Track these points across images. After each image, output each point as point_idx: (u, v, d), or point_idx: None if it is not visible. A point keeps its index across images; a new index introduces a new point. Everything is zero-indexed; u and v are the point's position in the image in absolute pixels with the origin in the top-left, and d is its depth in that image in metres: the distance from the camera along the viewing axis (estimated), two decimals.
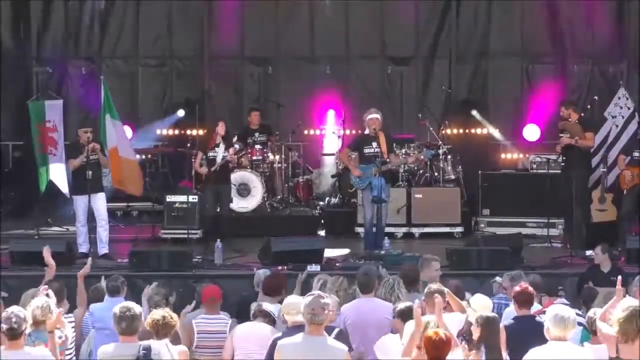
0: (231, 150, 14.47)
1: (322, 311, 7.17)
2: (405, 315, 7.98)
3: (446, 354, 6.80)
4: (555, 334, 6.90)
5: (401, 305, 8.29)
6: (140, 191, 15.13)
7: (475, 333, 7.55)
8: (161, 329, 7.47)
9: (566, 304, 8.21)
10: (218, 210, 14.52)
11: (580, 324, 8.29)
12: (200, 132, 16.08)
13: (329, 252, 13.44)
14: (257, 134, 16.57)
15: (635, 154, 13.83)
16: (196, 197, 15.06)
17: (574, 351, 6.87)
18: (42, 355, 7.23)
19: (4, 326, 7.07)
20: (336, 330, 8.10)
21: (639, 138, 14.21)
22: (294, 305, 7.72)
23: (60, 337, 7.67)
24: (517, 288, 8.58)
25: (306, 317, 7.19)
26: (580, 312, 8.98)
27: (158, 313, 7.57)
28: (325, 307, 7.21)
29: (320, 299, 7.24)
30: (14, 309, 7.24)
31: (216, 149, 14.38)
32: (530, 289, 8.56)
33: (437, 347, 6.77)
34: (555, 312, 7.02)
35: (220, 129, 14.47)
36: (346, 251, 14.10)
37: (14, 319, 7.04)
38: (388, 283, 9.41)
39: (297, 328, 7.61)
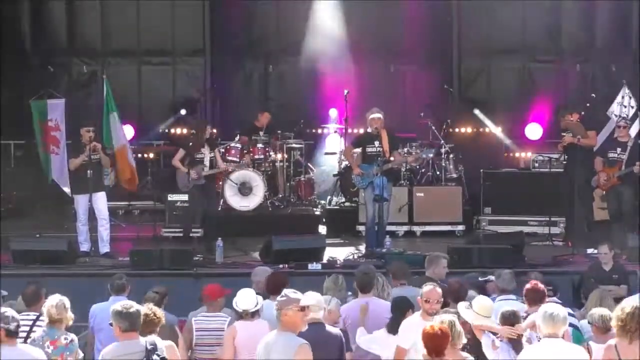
0: (216, 153, 14.25)
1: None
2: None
3: (444, 347, 6.79)
4: (546, 331, 6.90)
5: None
6: (134, 188, 15.34)
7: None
8: (145, 327, 7.40)
9: (558, 303, 8.15)
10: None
11: (571, 324, 8.26)
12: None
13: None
14: (261, 133, 16.54)
15: (613, 154, 13.80)
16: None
17: (567, 349, 6.86)
18: (34, 355, 7.18)
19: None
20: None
21: (615, 137, 14.11)
22: (314, 303, 7.61)
23: (65, 339, 7.64)
24: (527, 285, 8.48)
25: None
26: (572, 312, 8.95)
27: (141, 310, 7.51)
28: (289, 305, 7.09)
29: (290, 299, 7.11)
30: (7, 309, 7.23)
31: (202, 150, 14.16)
32: (541, 286, 8.48)
33: (435, 340, 6.76)
34: (544, 310, 7.02)
35: (207, 132, 14.28)
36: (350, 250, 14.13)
37: (7, 316, 7.07)
38: (379, 282, 9.41)
39: (316, 325, 7.52)
